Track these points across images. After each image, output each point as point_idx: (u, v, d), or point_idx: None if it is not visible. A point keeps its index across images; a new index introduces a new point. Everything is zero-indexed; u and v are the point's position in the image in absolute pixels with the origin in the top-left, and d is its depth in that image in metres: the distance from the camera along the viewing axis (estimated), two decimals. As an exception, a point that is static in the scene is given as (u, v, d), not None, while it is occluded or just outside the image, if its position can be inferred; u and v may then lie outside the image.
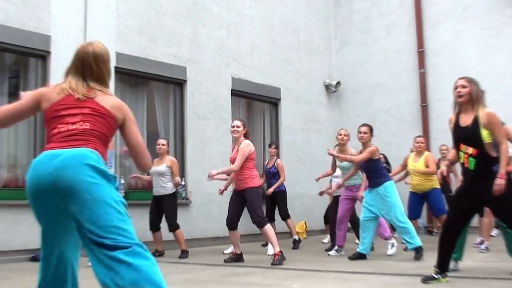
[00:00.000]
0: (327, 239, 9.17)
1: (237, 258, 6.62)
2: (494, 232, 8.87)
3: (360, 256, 6.54)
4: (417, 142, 7.56)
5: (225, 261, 6.60)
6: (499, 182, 4.29)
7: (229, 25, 10.27)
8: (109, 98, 2.62)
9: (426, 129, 11.24)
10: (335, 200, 7.71)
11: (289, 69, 11.50)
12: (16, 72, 7.85)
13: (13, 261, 6.55)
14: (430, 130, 11.15)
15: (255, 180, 6.48)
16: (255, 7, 10.88)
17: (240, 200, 6.57)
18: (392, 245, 6.95)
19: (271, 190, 8.38)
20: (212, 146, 9.59)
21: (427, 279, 4.57)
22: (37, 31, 7.50)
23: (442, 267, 4.61)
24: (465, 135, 4.53)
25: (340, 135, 7.22)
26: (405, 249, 7.08)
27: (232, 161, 6.52)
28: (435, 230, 9.85)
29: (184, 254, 7.17)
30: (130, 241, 2.36)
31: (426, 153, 7.61)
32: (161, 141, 7.52)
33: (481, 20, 10.86)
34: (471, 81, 4.59)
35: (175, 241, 7.48)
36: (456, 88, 4.63)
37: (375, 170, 6.49)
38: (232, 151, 6.68)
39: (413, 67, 11.61)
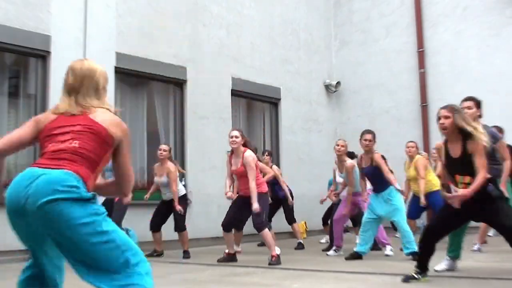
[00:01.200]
0: (324, 239, 9.19)
1: (230, 258, 6.63)
2: (492, 232, 8.84)
3: (357, 256, 6.55)
4: (407, 147, 7.52)
5: (219, 260, 6.63)
6: (463, 193, 4.33)
7: (229, 25, 10.27)
8: (106, 114, 2.47)
9: (426, 129, 11.23)
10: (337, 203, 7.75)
11: (289, 69, 11.50)
12: (16, 72, 7.85)
13: (13, 261, 6.54)
14: (430, 130, 11.14)
15: (262, 186, 6.53)
16: (255, 7, 10.88)
17: (243, 206, 6.56)
18: (391, 250, 6.97)
19: (290, 199, 8.43)
20: (212, 146, 9.58)
21: (407, 279, 4.63)
22: (37, 31, 7.49)
23: (422, 268, 4.67)
24: (458, 167, 4.52)
25: (338, 145, 7.25)
26: (402, 249, 7.11)
27: (237, 173, 6.53)
28: None
29: (186, 254, 7.19)
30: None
31: (417, 157, 7.57)
32: (163, 146, 7.35)
33: (481, 20, 10.86)
34: (453, 110, 4.52)
35: (176, 242, 7.49)
36: (439, 119, 4.57)
37: (382, 176, 6.48)
38: (231, 162, 6.61)
39: (413, 67, 11.61)
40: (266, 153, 8.74)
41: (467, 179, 4.45)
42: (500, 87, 10.30)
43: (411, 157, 7.51)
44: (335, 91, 12.41)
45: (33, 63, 7.73)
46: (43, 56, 7.62)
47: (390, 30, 12.04)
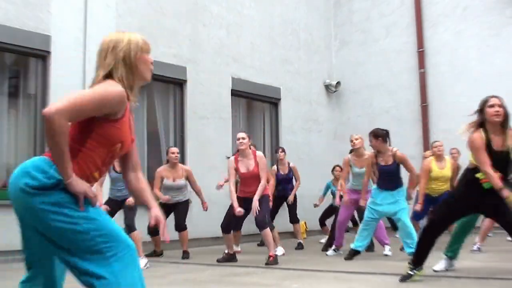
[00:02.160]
0: (324, 239, 9.20)
1: (230, 258, 6.66)
2: (490, 232, 8.81)
3: (355, 253, 6.58)
4: (436, 147, 7.36)
5: (218, 260, 6.65)
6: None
7: (229, 25, 10.27)
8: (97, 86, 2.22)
9: (426, 129, 11.23)
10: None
11: (289, 69, 11.50)
12: (16, 72, 7.85)
13: (14, 261, 6.54)
14: (430, 130, 11.15)
15: (267, 188, 6.69)
16: (255, 7, 10.87)
17: (242, 206, 6.58)
18: (389, 250, 6.97)
19: (291, 198, 8.44)
20: (212, 147, 9.59)
21: (404, 279, 4.65)
22: (37, 31, 7.49)
23: (419, 262, 4.68)
24: (499, 160, 4.38)
25: (356, 139, 7.09)
26: (401, 249, 7.10)
27: (250, 175, 6.54)
28: None
29: (186, 254, 7.20)
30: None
31: (447, 157, 7.52)
32: (175, 149, 7.34)
33: (481, 20, 10.86)
34: (502, 101, 4.49)
35: (176, 242, 7.48)
36: (492, 106, 4.45)
37: (397, 174, 6.51)
38: (237, 166, 6.61)
39: (413, 67, 11.60)
40: (280, 150, 8.69)
41: (498, 174, 4.34)
42: (500, 87, 10.24)
43: (440, 156, 7.34)
44: (335, 91, 12.41)
45: (33, 63, 7.73)
46: (43, 56, 7.61)
47: (390, 30, 12.04)
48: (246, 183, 6.63)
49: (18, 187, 2.14)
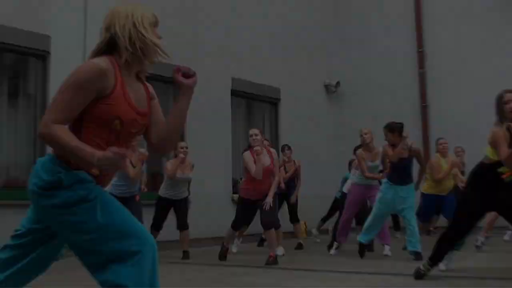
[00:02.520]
0: (320, 239, 9.21)
1: (226, 252, 6.96)
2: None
3: (364, 247, 6.68)
4: (441, 144, 7.40)
5: (220, 253, 6.83)
6: None
7: (229, 25, 10.26)
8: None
9: (426, 129, 11.24)
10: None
11: (289, 69, 11.49)
12: (16, 72, 7.84)
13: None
14: (430, 130, 11.14)
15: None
16: (255, 7, 10.87)
17: (254, 210, 6.66)
18: (389, 250, 6.99)
19: (294, 199, 8.45)
20: (212, 146, 9.58)
21: (419, 276, 4.71)
22: (37, 31, 7.49)
23: (436, 262, 4.73)
24: None
25: (366, 134, 7.07)
26: (404, 248, 7.10)
27: (268, 171, 6.46)
28: (432, 229, 9.80)
29: (186, 254, 7.19)
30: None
31: (450, 154, 7.59)
32: (184, 144, 7.32)
33: (481, 20, 10.86)
34: None
35: (176, 242, 7.49)
36: (505, 102, 4.51)
37: (411, 168, 6.51)
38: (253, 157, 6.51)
39: (413, 67, 11.60)
40: (287, 148, 8.68)
41: None
42: (500, 87, 10.15)
43: (445, 154, 7.39)
44: (335, 91, 12.41)
45: (33, 63, 7.73)
46: (43, 56, 7.61)
47: (390, 30, 12.03)
48: (260, 179, 6.45)
49: (29, 188, 2.08)
